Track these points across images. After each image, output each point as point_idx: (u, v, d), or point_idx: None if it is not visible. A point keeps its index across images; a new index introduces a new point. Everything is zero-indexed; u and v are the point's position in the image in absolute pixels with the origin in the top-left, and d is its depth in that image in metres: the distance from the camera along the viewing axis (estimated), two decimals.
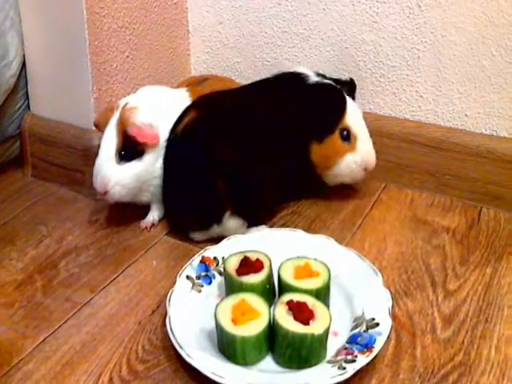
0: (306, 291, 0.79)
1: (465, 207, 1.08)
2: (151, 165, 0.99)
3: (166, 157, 1.00)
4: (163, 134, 0.99)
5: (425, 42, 1.10)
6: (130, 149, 0.97)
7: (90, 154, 1.12)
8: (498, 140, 1.07)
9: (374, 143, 1.07)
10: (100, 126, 1.01)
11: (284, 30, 1.23)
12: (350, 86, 1.10)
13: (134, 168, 0.98)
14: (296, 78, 1.06)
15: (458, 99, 1.10)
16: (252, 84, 1.11)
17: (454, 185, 1.11)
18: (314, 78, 1.06)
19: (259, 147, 0.98)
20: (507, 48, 1.03)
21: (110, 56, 1.14)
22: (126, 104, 0.99)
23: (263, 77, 1.13)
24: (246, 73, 1.30)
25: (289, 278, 0.82)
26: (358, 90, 1.17)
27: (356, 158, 1.04)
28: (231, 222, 0.97)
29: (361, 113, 1.08)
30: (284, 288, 0.81)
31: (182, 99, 1.05)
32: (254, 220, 0.99)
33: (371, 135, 1.08)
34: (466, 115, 1.10)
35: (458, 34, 1.06)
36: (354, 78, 1.13)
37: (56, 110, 1.19)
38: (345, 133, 1.03)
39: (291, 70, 1.08)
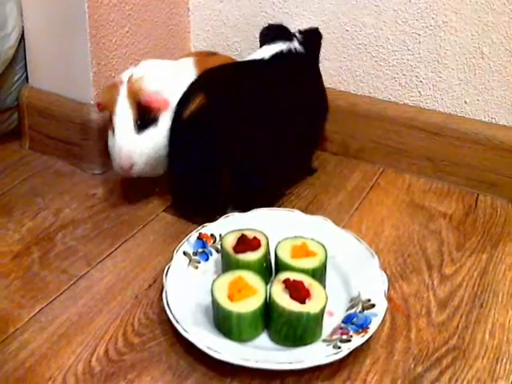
0: (302, 270, 0.79)
1: (462, 194, 1.09)
2: (165, 130, 0.98)
3: (172, 143, 0.98)
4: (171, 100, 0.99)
5: (426, 28, 1.09)
6: (145, 117, 0.97)
7: (88, 128, 1.13)
8: (497, 128, 1.07)
9: (374, 127, 1.08)
10: (107, 104, 0.99)
11: (284, 10, 1.22)
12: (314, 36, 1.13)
13: (154, 135, 0.97)
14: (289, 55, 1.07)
15: (458, 86, 1.10)
16: (255, 62, 1.07)
17: (452, 171, 1.11)
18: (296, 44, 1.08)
19: (268, 135, 0.97)
20: (507, 36, 1.03)
21: (109, 30, 1.13)
22: (131, 76, 0.98)
23: None
24: (245, 53, 1.29)
25: (286, 256, 0.82)
26: (357, 75, 1.17)
27: None
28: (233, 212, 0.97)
29: None
30: (281, 267, 0.81)
31: (186, 69, 1.05)
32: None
33: (371, 119, 1.09)
34: (465, 102, 1.10)
35: (459, 20, 1.06)
36: (354, 61, 1.15)
37: (54, 83, 1.18)
38: None
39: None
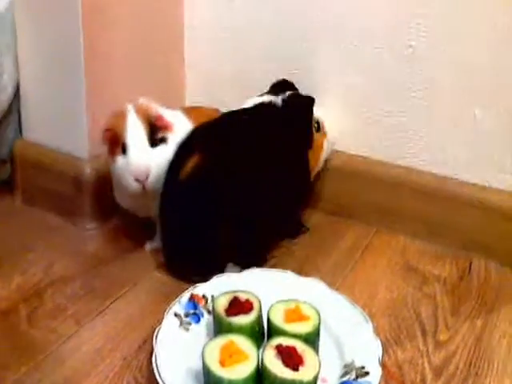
0: (295, 335, 0.77)
1: (456, 257, 1.08)
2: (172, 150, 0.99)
3: (167, 202, 0.97)
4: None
5: (418, 90, 1.11)
6: (157, 134, 0.98)
7: (81, 182, 1.12)
8: (491, 191, 1.08)
9: (366, 187, 1.09)
10: (115, 127, 0.99)
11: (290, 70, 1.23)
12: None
13: (165, 152, 0.98)
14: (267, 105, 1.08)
15: (451, 147, 1.11)
16: (242, 113, 1.08)
17: (446, 234, 1.11)
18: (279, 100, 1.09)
19: (265, 190, 0.98)
20: (497, 96, 1.04)
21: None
22: (136, 102, 1.00)
23: None
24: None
25: (279, 320, 0.80)
26: (351, 132, 1.18)
27: (329, 140, 1.16)
28: (232, 270, 0.96)
29: None
30: (273, 331, 0.80)
31: (177, 116, 1.06)
32: (251, 266, 0.97)
33: (363, 178, 1.10)
34: (458, 164, 1.11)
35: (454, 83, 1.08)
36: (349, 120, 1.17)
37: (49, 136, 1.18)
38: (316, 125, 1.12)
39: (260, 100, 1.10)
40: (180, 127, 1.02)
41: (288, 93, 1.10)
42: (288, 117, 1.07)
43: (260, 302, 0.83)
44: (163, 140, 0.99)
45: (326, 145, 1.14)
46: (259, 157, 0.99)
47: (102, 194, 1.11)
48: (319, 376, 0.73)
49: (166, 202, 0.97)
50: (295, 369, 0.71)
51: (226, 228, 0.94)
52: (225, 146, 0.98)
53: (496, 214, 1.06)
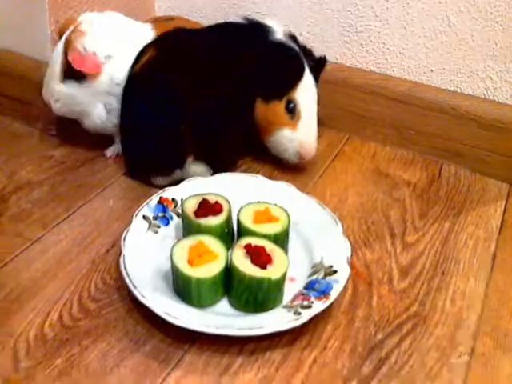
0: (264, 236, 0.77)
1: (426, 162, 1.08)
2: (97, 91, 0.97)
3: (124, 97, 0.96)
4: (116, 66, 0.96)
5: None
6: (70, 70, 0.95)
7: None
8: (462, 97, 1.07)
9: (340, 94, 1.06)
10: (58, 36, 1.00)
11: None
12: (317, 64, 1.03)
13: (72, 88, 0.97)
14: (261, 30, 1.01)
15: (425, 54, 1.08)
16: (219, 26, 1.05)
17: (417, 140, 1.10)
18: (278, 36, 1.00)
19: (218, 93, 0.94)
20: (475, 4, 1.01)
21: None
22: (78, 24, 0.96)
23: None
24: (210, 16, 1.25)
25: (248, 222, 0.80)
26: (325, 40, 1.15)
27: (292, 136, 0.99)
28: (194, 167, 0.94)
29: (316, 96, 1.01)
30: (243, 232, 0.80)
31: (144, 33, 1.01)
32: (217, 167, 0.96)
33: (337, 86, 1.06)
34: (431, 70, 1.09)
35: None
36: (322, 27, 1.11)
37: (11, 40, 1.13)
38: (291, 105, 0.98)
39: (262, 21, 1.02)
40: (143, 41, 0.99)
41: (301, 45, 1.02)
42: (263, 53, 0.98)
43: (230, 204, 0.83)
44: (79, 77, 0.96)
45: (285, 133, 0.99)
46: (211, 66, 0.95)
47: None
48: (287, 275, 0.73)
49: (123, 95, 0.96)
50: (263, 267, 0.72)
51: (182, 123, 0.91)
52: (180, 45, 0.97)
53: (466, 120, 1.05)
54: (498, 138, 1.03)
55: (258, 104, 0.99)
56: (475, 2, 1.01)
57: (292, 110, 0.98)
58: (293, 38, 1.02)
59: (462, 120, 1.05)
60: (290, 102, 0.98)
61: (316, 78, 1.02)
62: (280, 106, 0.98)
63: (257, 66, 0.97)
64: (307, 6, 1.15)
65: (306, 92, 1.00)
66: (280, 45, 0.99)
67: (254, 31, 1.01)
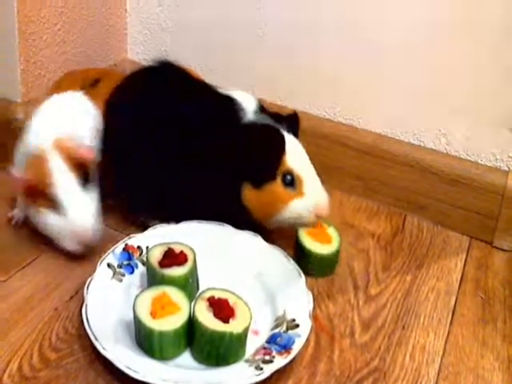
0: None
1: (390, 214, 1.10)
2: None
3: None
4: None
5: (368, 44, 1.11)
6: (84, 173, 0.89)
7: (14, 127, 1.08)
8: (425, 151, 1.10)
9: (309, 144, 1.07)
10: (36, 177, 0.87)
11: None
12: (291, 120, 0.96)
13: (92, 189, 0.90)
14: (233, 110, 0.93)
15: (388, 106, 1.12)
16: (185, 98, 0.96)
17: (381, 191, 1.13)
18: (249, 116, 0.93)
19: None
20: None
21: (40, 27, 1.10)
22: (56, 139, 0.88)
23: (200, 62, 1.15)
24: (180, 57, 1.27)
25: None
26: (295, 89, 1.17)
27: (303, 204, 0.90)
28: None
29: (303, 150, 0.94)
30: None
31: (84, 105, 1.00)
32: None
33: (305, 135, 1.08)
34: (395, 123, 1.12)
35: (392, 38, 1.08)
36: (291, 76, 1.13)
37: None
38: (288, 177, 0.89)
39: (230, 96, 0.95)
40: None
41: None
42: (240, 139, 0.90)
43: (195, 253, 0.83)
44: (87, 178, 0.88)
45: (295, 205, 0.90)
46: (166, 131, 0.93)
47: None
48: (250, 328, 0.74)
49: None
50: (226, 321, 0.72)
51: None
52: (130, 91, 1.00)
53: (429, 173, 1.08)
54: (459, 192, 1.06)
55: (247, 191, 0.91)
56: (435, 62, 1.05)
57: (291, 182, 0.90)
58: (261, 108, 0.96)
59: (425, 173, 1.08)
60: (285, 174, 0.90)
61: (295, 134, 0.95)
62: (277, 185, 0.90)
63: (235, 153, 0.90)
64: (275, 56, 1.18)
65: (295, 154, 0.92)
66: (254, 127, 0.92)
67: (225, 112, 0.94)
